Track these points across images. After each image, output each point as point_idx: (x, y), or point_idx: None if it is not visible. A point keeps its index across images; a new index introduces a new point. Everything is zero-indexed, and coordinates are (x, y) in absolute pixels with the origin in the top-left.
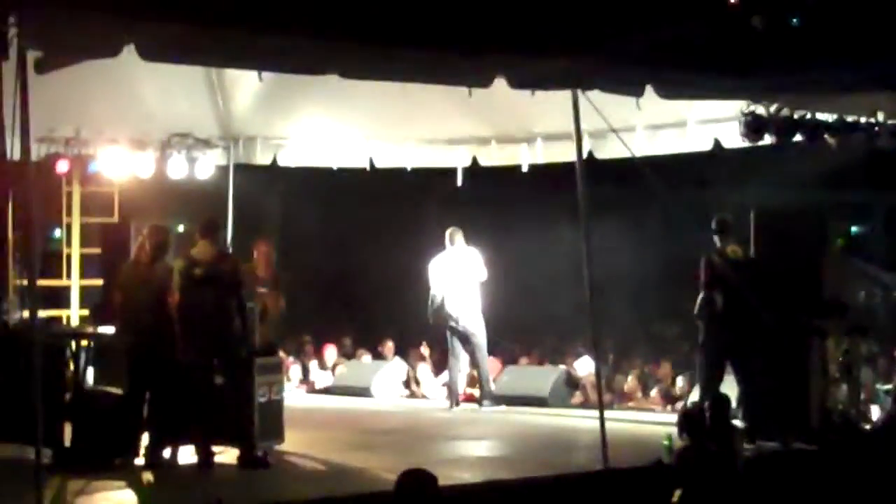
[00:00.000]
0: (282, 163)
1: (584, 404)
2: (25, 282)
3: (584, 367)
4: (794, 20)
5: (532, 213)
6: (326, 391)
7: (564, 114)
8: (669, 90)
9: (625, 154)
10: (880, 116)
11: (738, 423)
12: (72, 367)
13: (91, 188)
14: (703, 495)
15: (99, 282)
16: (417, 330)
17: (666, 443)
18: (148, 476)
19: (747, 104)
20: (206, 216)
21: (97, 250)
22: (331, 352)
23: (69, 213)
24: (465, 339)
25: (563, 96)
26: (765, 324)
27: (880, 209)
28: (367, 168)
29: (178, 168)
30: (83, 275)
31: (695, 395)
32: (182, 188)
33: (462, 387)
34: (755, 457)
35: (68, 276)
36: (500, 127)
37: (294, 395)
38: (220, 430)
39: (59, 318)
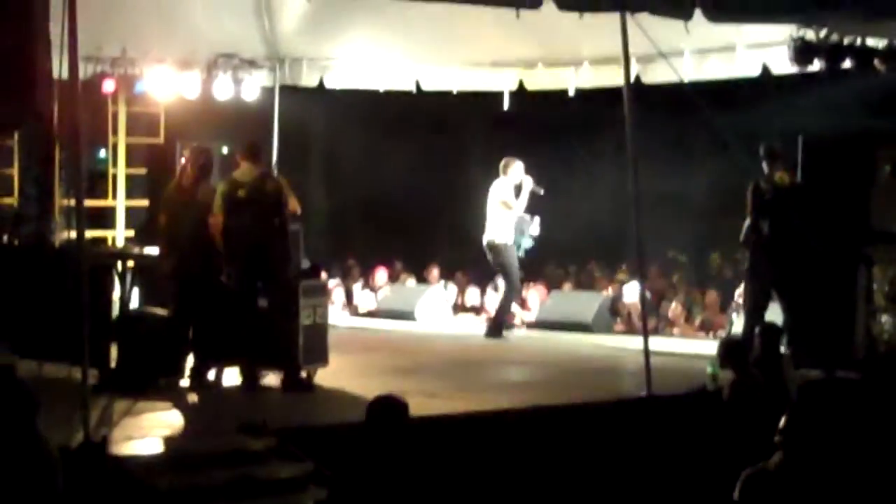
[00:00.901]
0: (328, 85)
1: (628, 330)
2: (72, 202)
3: (632, 293)
4: None
5: (578, 137)
6: (370, 314)
7: (612, 37)
8: (718, 13)
9: (673, 79)
10: None
11: (783, 349)
12: (118, 287)
13: (137, 108)
14: (757, 424)
15: (144, 202)
16: (464, 255)
17: (710, 370)
18: (193, 397)
19: (797, 29)
20: (247, 138)
21: (142, 171)
22: (381, 274)
23: (115, 133)
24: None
25: (610, 19)
26: (811, 251)
27: None
28: (414, 91)
29: (223, 89)
30: (129, 195)
31: (739, 323)
32: (228, 109)
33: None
34: (801, 384)
35: (114, 196)
36: (546, 50)
37: (338, 318)
38: (265, 352)
39: (104, 239)
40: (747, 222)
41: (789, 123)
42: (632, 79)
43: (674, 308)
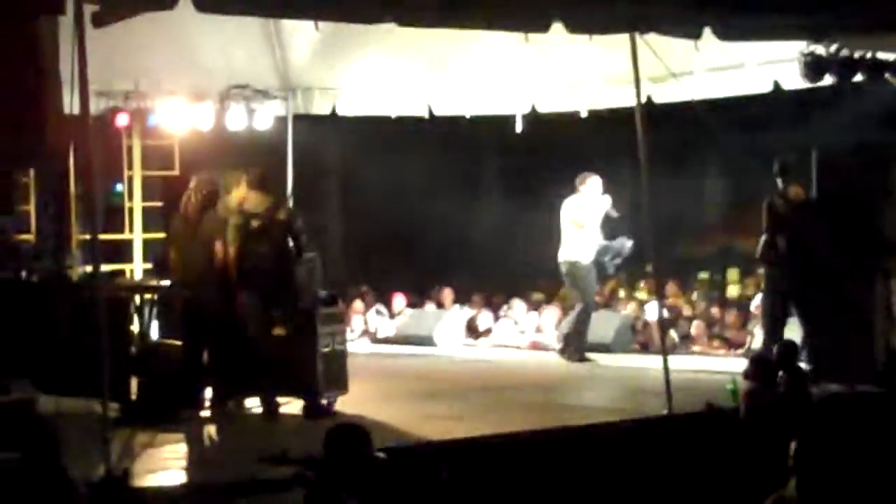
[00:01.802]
0: (340, 112)
1: (647, 349)
2: (88, 236)
3: (652, 312)
4: None
5: (591, 158)
6: (388, 341)
7: (622, 58)
8: (728, 32)
9: (684, 98)
10: None
11: (803, 365)
12: (136, 320)
13: (151, 141)
14: (773, 438)
15: (161, 235)
16: (479, 278)
17: (730, 387)
18: (213, 428)
19: (807, 44)
20: (255, 168)
21: (159, 203)
22: (399, 300)
23: (130, 167)
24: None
25: (620, 40)
26: (828, 265)
27: None
28: (426, 116)
29: (237, 119)
30: (146, 228)
31: (758, 340)
32: (241, 140)
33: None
34: (820, 399)
35: (131, 229)
36: (558, 72)
37: (357, 345)
38: (285, 381)
39: (122, 272)
40: (763, 238)
41: (802, 139)
42: (643, 99)
43: (695, 326)
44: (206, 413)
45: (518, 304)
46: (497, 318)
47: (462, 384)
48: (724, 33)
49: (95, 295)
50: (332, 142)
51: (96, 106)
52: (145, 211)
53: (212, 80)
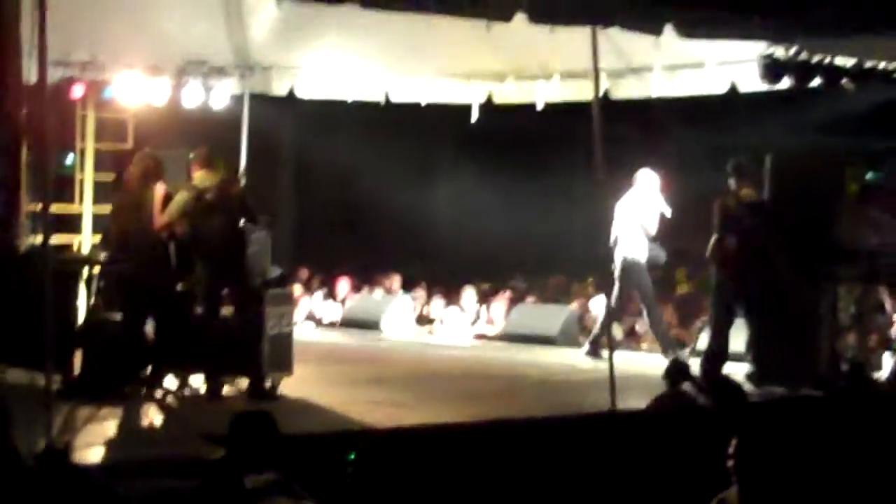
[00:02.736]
0: (298, 94)
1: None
2: (38, 206)
3: (598, 306)
4: None
5: (546, 151)
6: (334, 325)
7: (582, 51)
8: (689, 29)
9: (642, 94)
10: None
11: (747, 366)
12: (83, 293)
13: (106, 114)
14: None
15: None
16: (428, 266)
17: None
18: (156, 405)
19: (766, 46)
20: (201, 147)
21: (110, 176)
22: (343, 284)
23: (83, 139)
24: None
25: (581, 33)
26: (777, 268)
27: None
28: (383, 102)
29: (193, 96)
30: (96, 200)
31: (704, 340)
32: (197, 116)
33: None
34: (762, 401)
35: (81, 201)
36: (517, 63)
37: (301, 329)
38: (229, 360)
39: (70, 245)
40: (714, 238)
41: (757, 140)
42: (601, 93)
43: (640, 323)
44: (148, 389)
45: (468, 293)
46: (446, 306)
47: (408, 371)
48: (685, 31)
49: (42, 267)
50: (287, 123)
51: (52, 75)
52: (96, 184)
53: (169, 55)
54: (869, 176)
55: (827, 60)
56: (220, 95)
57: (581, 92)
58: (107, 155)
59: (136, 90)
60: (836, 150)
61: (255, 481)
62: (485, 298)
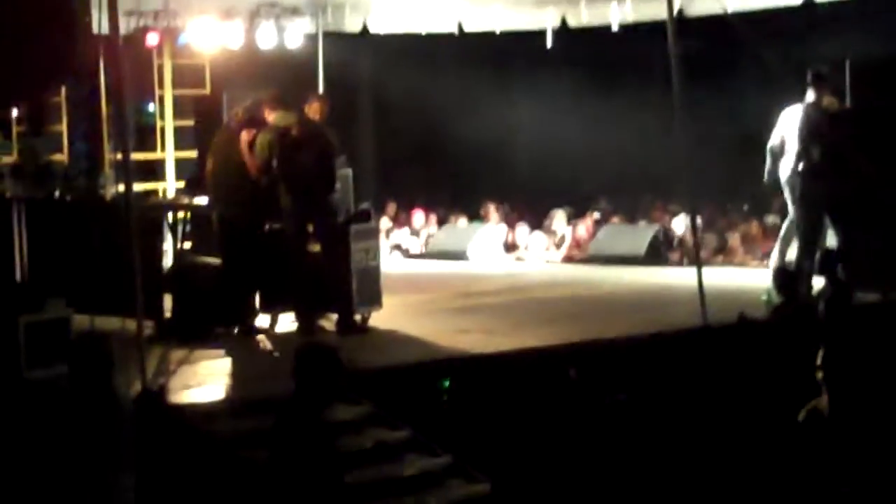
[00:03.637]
0: (371, 30)
1: (682, 261)
2: (120, 156)
3: (681, 225)
4: None
5: (623, 72)
6: (422, 256)
7: None
8: None
9: (716, 11)
10: None
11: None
12: (170, 238)
13: (182, 60)
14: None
15: (193, 153)
16: (512, 194)
17: (764, 298)
18: (248, 344)
19: None
20: (272, 89)
21: (190, 122)
22: (419, 216)
23: (161, 86)
24: None
25: None
26: (863, 175)
27: None
28: (456, 32)
29: (267, 38)
30: (177, 147)
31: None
32: (272, 58)
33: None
34: (855, 308)
35: (163, 148)
36: None
37: (390, 261)
38: (319, 297)
39: (154, 191)
40: (798, 148)
41: (835, 49)
42: (675, 12)
43: (732, 239)
44: (240, 329)
45: (559, 216)
46: (531, 231)
47: (496, 298)
48: None
49: (128, 214)
50: (362, 59)
51: (126, 25)
52: (177, 130)
53: None
54: None
55: None
56: (294, 35)
57: (655, 12)
58: (186, 101)
59: (210, 35)
60: None
61: (347, 412)
62: (570, 221)
